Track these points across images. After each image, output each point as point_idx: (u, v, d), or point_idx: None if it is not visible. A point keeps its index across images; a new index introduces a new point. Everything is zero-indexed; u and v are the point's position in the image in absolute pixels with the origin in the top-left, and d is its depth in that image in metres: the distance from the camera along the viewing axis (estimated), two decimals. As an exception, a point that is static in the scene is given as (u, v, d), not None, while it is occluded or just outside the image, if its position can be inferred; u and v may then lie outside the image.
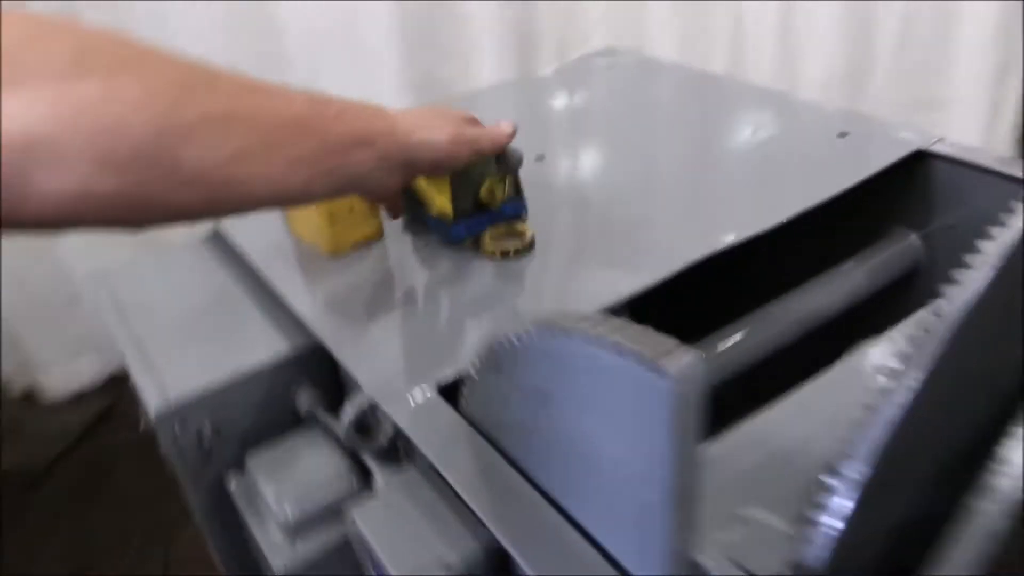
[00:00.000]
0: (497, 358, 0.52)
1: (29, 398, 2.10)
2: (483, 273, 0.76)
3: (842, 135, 0.92)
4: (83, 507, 1.71)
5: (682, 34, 1.95)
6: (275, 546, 0.67)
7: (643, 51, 1.92)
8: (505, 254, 0.76)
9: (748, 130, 0.98)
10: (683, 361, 0.37)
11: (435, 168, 0.65)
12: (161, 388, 0.71)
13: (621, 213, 0.84)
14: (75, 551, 1.78)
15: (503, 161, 0.77)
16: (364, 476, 0.68)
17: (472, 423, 0.58)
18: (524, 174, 0.90)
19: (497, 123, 0.73)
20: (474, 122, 0.72)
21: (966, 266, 0.40)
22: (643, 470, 0.41)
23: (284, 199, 0.56)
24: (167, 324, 0.80)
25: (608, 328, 0.40)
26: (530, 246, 0.77)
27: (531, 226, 0.80)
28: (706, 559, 0.45)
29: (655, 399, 0.37)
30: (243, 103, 0.51)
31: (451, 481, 0.54)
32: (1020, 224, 0.40)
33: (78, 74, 0.43)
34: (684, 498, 0.40)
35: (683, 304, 1.06)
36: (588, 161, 0.96)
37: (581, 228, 0.82)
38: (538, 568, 0.47)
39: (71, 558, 1.76)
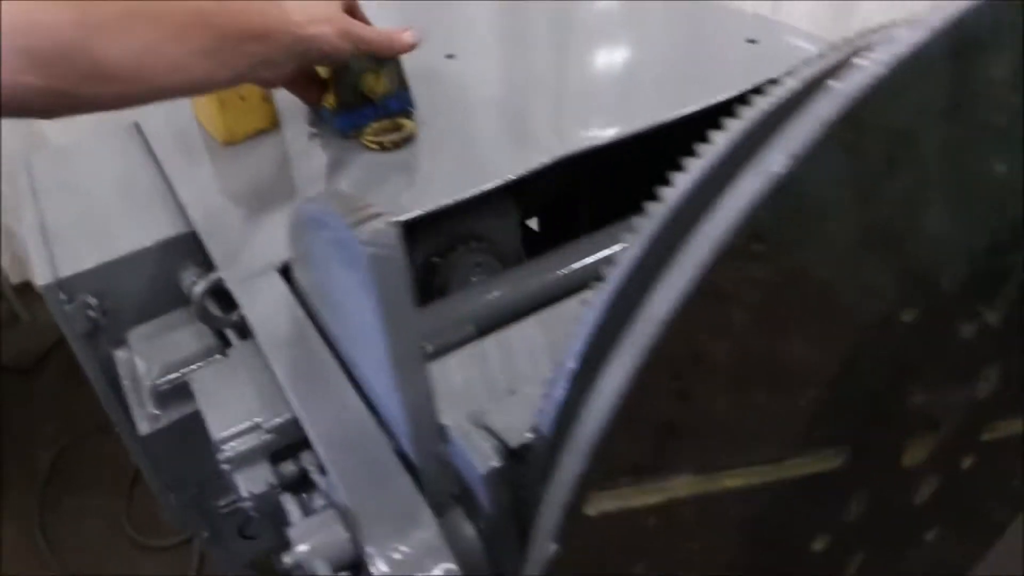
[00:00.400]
0: (296, 235, 0.55)
1: (25, 289, 2.19)
2: (359, 164, 0.78)
3: (751, 41, 0.91)
4: (75, 392, 1.78)
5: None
6: (142, 412, 0.72)
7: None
8: (381, 146, 0.78)
9: (660, 34, 0.98)
10: (385, 237, 0.40)
11: (323, 62, 0.67)
12: (51, 263, 0.75)
13: (514, 110, 0.86)
14: (68, 431, 1.88)
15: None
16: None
17: (302, 298, 0.62)
18: (431, 71, 0.92)
19: (401, 30, 0.75)
20: (353, 11, 0.73)
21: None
22: (366, 326, 0.44)
23: (189, 89, 0.59)
24: (71, 206, 0.84)
25: (335, 201, 0.43)
26: (408, 139, 0.79)
27: (422, 120, 0.82)
28: (450, 422, 0.48)
29: (357, 260, 0.41)
30: None
31: (265, 352, 0.58)
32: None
33: None
34: (404, 355, 0.43)
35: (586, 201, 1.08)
36: (497, 62, 0.96)
37: (469, 125, 0.84)
38: (318, 430, 0.51)
39: (65, 436, 1.87)
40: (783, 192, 0.29)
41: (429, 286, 0.81)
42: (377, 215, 0.40)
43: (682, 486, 0.36)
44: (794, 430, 0.38)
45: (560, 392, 0.38)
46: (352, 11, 0.74)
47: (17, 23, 0.46)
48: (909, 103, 0.30)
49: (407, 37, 0.76)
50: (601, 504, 0.35)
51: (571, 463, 0.34)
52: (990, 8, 0.29)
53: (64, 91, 0.50)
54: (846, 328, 0.35)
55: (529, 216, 0.96)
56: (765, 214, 0.29)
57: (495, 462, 0.44)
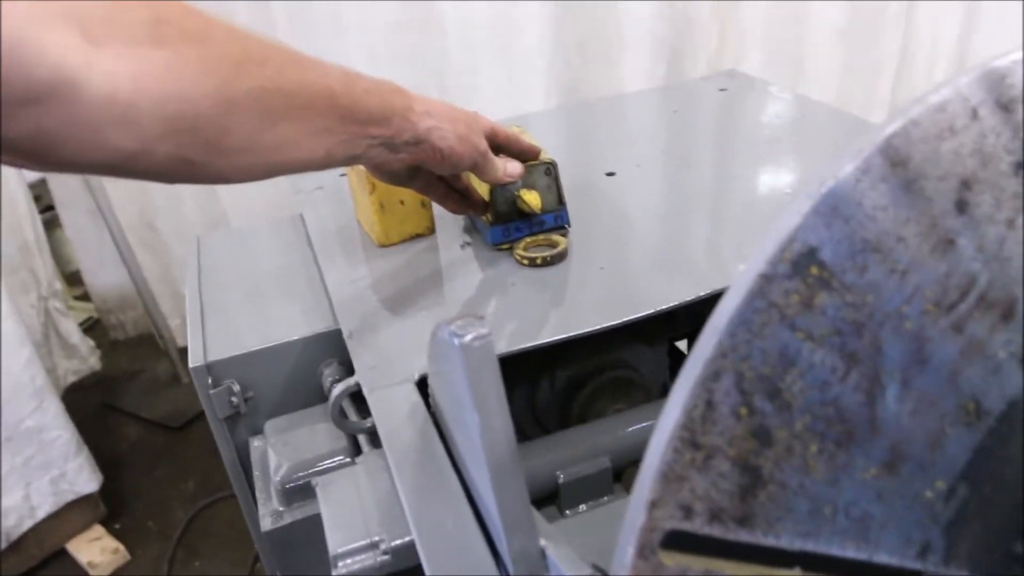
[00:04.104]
0: (432, 351, 0.54)
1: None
2: (509, 279, 0.77)
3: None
4: (217, 457, 1.84)
5: (842, 61, 1.86)
6: (267, 506, 0.71)
7: (794, 80, 1.87)
8: (532, 261, 0.77)
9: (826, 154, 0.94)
10: (476, 330, 0.41)
11: (438, 160, 0.67)
12: (202, 345, 0.78)
13: (671, 237, 0.83)
14: (206, 492, 1.95)
15: (540, 172, 0.78)
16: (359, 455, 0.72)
17: (435, 415, 0.60)
18: (590, 188, 0.91)
19: (507, 162, 0.75)
20: (496, 137, 0.74)
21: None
22: (468, 426, 0.44)
23: (305, 166, 0.59)
24: (229, 290, 0.87)
25: (457, 319, 0.43)
26: (561, 256, 0.78)
27: (577, 238, 0.81)
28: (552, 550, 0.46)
29: (455, 356, 0.42)
30: (288, 77, 0.55)
31: (392, 467, 0.57)
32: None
33: (154, 42, 0.47)
34: (496, 449, 0.43)
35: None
36: (657, 183, 0.95)
37: (625, 246, 0.82)
38: (432, 563, 0.49)
39: (202, 496, 1.93)
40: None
41: (568, 411, 0.78)
42: (480, 322, 0.41)
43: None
44: (927, 533, 0.32)
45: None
46: (495, 134, 0.73)
47: (165, 92, 0.47)
48: None
49: (512, 171, 0.75)
50: (679, 559, 0.31)
51: (641, 487, 0.31)
52: None
53: (191, 160, 0.51)
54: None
55: (678, 339, 0.92)
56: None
57: (587, 570, 0.42)
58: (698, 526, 0.30)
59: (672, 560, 0.31)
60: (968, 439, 0.31)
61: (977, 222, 0.31)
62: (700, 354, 0.30)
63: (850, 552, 0.32)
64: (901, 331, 0.30)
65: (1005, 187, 0.31)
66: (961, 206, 0.31)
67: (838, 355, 0.30)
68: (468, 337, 0.41)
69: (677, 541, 0.31)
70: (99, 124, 0.45)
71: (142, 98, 0.46)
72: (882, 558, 0.32)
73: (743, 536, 0.31)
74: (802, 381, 0.30)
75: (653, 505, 0.30)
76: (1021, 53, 0.31)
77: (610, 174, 0.96)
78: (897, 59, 1.92)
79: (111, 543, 1.79)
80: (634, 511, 0.31)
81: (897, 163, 0.30)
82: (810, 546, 0.31)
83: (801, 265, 0.30)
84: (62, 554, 1.79)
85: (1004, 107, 0.31)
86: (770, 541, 0.31)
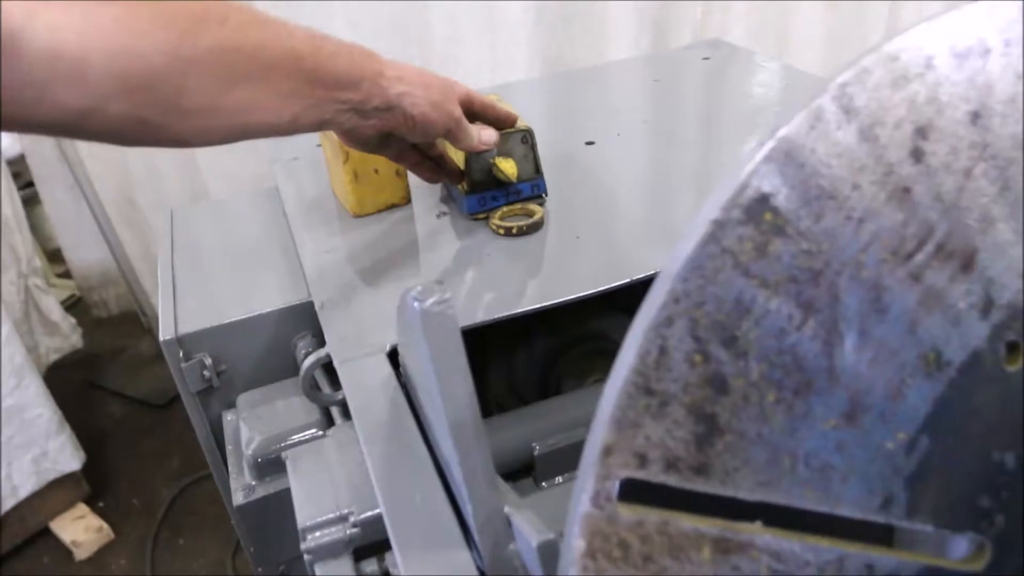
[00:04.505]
0: (399, 320, 0.53)
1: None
2: (485, 248, 0.76)
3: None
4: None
5: (827, 32, 1.85)
6: (239, 480, 0.70)
7: (780, 49, 1.85)
8: (508, 231, 0.76)
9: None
10: (437, 295, 0.41)
11: (410, 127, 0.65)
12: (173, 318, 0.76)
13: (650, 207, 0.82)
14: (190, 470, 1.94)
15: (516, 140, 0.77)
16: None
17: (405, 386, 0.59)
18: (569, 157, 0.90)
19: (482, 129, 0.73)
20: (472, 104, 0.72)
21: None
22: (432, 392, 0.44)
23: (272, 130, 0.58)
24: (202, 264, 0.86)
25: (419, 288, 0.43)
26: (537, 226, 0.77)
27: (554, 208, 0.80)
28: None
29: (416, 321, 0.42)
30: (250, 36, 0.53)
31: (361, 440, 0.56)
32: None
33: None
34: (458, 413, 0.43)
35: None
36: (637, 152, 0.93)
37: (602, 216, 0.81)
38: (400, 536, 0.48)
39: (187, 474, 1.93)
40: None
41: (546, 383, 0.77)
42: (442, 287, 0.41)
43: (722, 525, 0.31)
44: (889, 485, 0.32)
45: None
46: (470, 101, 0.72)
47: (116, 48, 0.45)
48: None
49: (487, 138, 0.73)
50: (638, 512, 0.30)
51: (595, 433, 0.30)
52: None
53: (147, 120, 0.49)
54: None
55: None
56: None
57: (550, 534, 0.42)
58: (653, 474, 0.30)
59: (629, 511, 0.30)
60: (929, 390, 0.31)
61: (933, 171, 0.31)
62: (653, 299, 0.29)
63: (811, 504, 0.31)
64: (858, 280, 0.30)
65: (962, 136, 0.31)
66: (917, 154, 0.30)
67: (794, 303, 0.30)
68: (429, 302, 0.41)
69: (633, 492, 0.30)
70: (44, 81, 0.43)
71: (90, 53, 0.44)
72: (844, 511, 0.31)
73: (700, 486, 0.30)
74: (758, 329, 0.30)
75: (607, 451, 0.30)
76: (980, 3, 0.31)
77: (590, 143, 0.94)
78: (884, 28, 1.90)
79: (95, 521, 1.79)
80: (588, 457, 0.30)
81: (851, 110, 0.30)
82: (770, 497, 0.31)
83: (755, 211, 0.29)
84: (45, 533, 1.78)
85: (959, 56, 0.31)
86: (728, 491, 0.31)
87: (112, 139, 0.50)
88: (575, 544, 0.31)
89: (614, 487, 0.30)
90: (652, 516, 0.30)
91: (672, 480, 0.30)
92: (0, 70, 0.42)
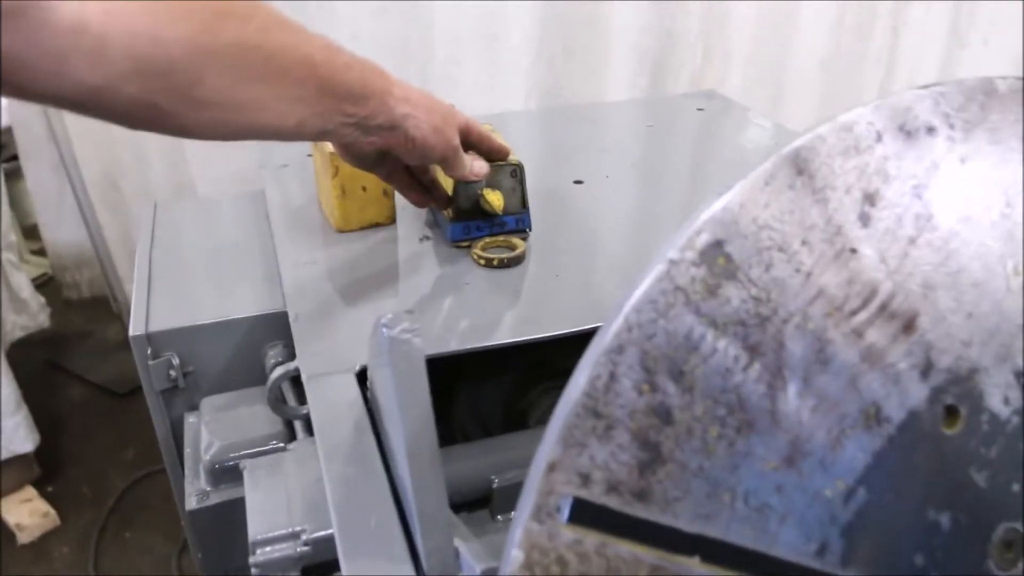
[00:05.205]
0: (370, 343, 0.53)
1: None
2: (464, 277, 0.76)
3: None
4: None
5: (822, 92, 1.88)
6: (194, 485, 0.70)
7: (773, 105, 1.88)
8: (489, 262, 0.77)
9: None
10: (405, 324, 0.43)
11: (409, 148, 0.65)
12: (145, 314, 0.76)
13: (632, 251, 0.83)
14: (145, 463, 1.91)
15: (506, 173, 0.78)
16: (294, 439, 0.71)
17: (371, 409, 0.59)
18: (557, 195, 0.91)
19: (475, 159, 0.74)
20: (470, 134, 0.73)
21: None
22: (393, 417, 0.45)
23: (275, 133, 0.58)
24: (180, 262, 0.86)
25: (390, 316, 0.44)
26: (518, 260, 0.77)
27: (537, 243, 0.80)
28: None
29: (383, 347, 0.43)
30: (271, 37, 0.53)
31: (321, 458, 0.56)
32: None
33: None
34: (417, 441, 0.44)
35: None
36: (624, 195, 0.94)
37: (584, 256, 0.81)
38: (350, 561, 0.48)
39: (141, 466, 1.90)
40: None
41: (512, 416, 0.78)
42: (410, 317, 0.42)
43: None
44: (826, 532, 0.32)
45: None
46: (468, 130, 0.73)
47: (138, 31, 0.45)
48: None
49: (477, 169, 0.74)
50: (576, 530, 0.31)
51: (542, 449, 0.32)
52: None
53: (158, 106, 0.49)
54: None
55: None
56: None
57: (492, 562, 0.42)
58: (595, 495, 0.31)
59: (569, 531, 0.31)
60: (868, 443, 0.32)
61: (880, 236, 0.33)
62: (608, 327, 0.31)
63: (748, 541, 0.32)
64: (804, 330, 0.32)
65: (908, 207, 0.33)
66: (864, 219, 0.33)
67: (741, 345, 0.31)
68: (397, 329, 0.42)
69: (575, 513, 0.31)
70: (64, 52, 0.43)
71: (112, 31, 0.44)
72: (780, 552, 0.32)
73: (640, 511, 0.31)
74: (704, 366, 0.31)
75: (551, 468, 0.31)
76: (929, 88, 0.34)
77: (578, 182, 0.95)
78: (876, 94, 1.93)
79: (41, 506, 1.76)
80: (533, 473, 0.31)
81: (803, 172, 0.32)
82: (708, 530, 0.32)
83: (708, 255, 0.31)
84: (-11, 512, 1.75)
85: (908, 134, 0.33)
86: (667, 520, 0.31)
87: (120, 120, 0.50)
88: (514, 555, 0.32)
89: (555, 502, 0.31)
90: (592, 537, 0.31)
91: (613, 503, 0.31)
92: (24, 37, 0.42)
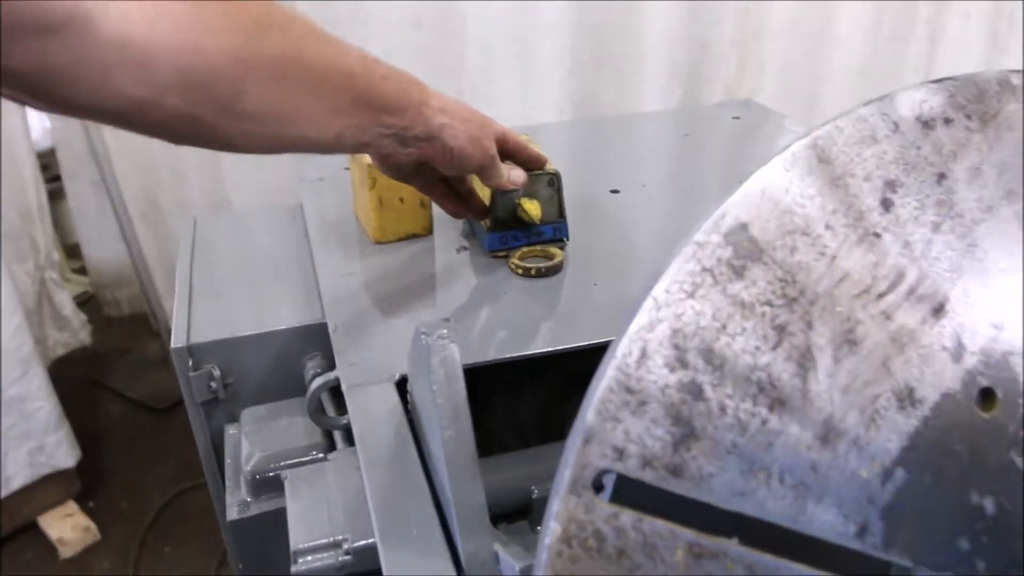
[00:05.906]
0: (410, 352, 0.53)
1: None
2: (501, 287, 0.76)
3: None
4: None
5: (859, 101, 1.85)
6: (235, 495, 0.70)
7: (808, 115, 1.86)
8: (527, 272, 0.76)
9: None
10: (443, 332, 0.44)
11: (447, 159, 0.65)
12: (187, 326, 0.77)
13: (664, 258, 0.82)
14: (183, 478, 1.93)
15: (543, 182, 0.77)
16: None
17: (411, 417, 0.59)
18: (594, 204, 0.90)
19: (512, 169, 0.74)
20: (507, 143, 0.73)
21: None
22: (432, 422, 0.45)
23: (314, 145, 0.58)
24: (220, 274, 0.86)
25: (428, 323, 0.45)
26: (556, 269, 0.77)
27: (574, 253, 0.80)
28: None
29: (422, 354, 0.44)
30: (309, 48, 0.54)
31: (362, 467, 0.55)
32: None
33: None
34: (456, 446, 0.44)
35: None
36: (660, 204, 0.94)
37: (621, 265, 0.81)
38: (392, 570, 0.48)
39: (180, 482, 1.92)
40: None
41: (549, 426, 0.77)
42: (448, 325, 0.44)
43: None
44: (865, 513, 0.32)
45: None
46: (505, 140, 0.72)
47: (182, 43, 0.45)
48: None
49: (515, 178, 0.74)
50: (615, 505, 0.32)
51: (577, 424, 0.32)
52: None
53: (199, 118, 0.49)
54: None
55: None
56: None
57: (531, 559, 0.42)
58: (630, 469, 0.31)
59: (606, 505, 0.32)
60: (903, 424, 0.32)
61: (903, 222, 0.33)
62: (638, 304, 0.32)
63: (785, 520, 0.32)
64: (831, 311, 0.32)
65: (929, 194, 0.34)
66: (887, 204, 0.33)
67: (769, 325, 0.32)
68: (435, 335, 0.43)
69: (613, 490, 0.31)
70: (109, 65, 0.43)
71: (156, 44, 0.44)
72: (820, 532, 0.32)
73: (674, 486, 0.31)
74: (733, 344, 0.32)
75: (587, 440, 0.31)
76: (943, 82, 0.35)
77: (615, 191, 0.95)
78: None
79: (83, 520, 1.78)
80: (569, 445, 0.32)
81: (823, 160, 0.33)
82: (744, 507, 0.32)
83: (733, 237, 0.32)
84: (32, 528, 1.77)
85: (924, 124, 0.34)
86: (703, 495, 0.32)
87: (161, 134, 0.50)
88: (552, 527, 0.32)
89: (591, 475, 0.31)
90: (628, 512, 0.32)
91: (648, 477, 0.31)
92: (69, 50, 0.42)
